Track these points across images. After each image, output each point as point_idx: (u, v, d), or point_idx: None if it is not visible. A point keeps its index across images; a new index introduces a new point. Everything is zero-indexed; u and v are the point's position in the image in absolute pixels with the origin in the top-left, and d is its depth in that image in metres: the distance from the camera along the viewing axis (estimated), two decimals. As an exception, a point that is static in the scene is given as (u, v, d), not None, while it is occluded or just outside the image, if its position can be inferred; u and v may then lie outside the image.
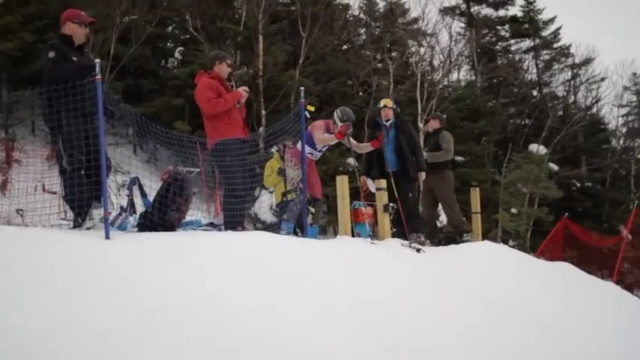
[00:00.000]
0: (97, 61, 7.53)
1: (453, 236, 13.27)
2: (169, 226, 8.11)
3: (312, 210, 11.40)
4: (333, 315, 6.28)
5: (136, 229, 8.39)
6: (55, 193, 9.60)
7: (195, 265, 6.41)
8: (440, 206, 13.60)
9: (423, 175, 11.76)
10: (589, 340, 8.35)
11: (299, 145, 10.77)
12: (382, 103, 12.29)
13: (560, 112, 41.41)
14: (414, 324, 6.87)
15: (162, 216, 8.08)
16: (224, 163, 9.31)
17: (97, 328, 4.90)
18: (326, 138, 11.04)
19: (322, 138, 11.01)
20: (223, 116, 9.40)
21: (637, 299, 12.48)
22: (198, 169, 14.05)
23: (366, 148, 11.91)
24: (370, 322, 6.47)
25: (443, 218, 15.78)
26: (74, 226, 7.93)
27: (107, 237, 6.99)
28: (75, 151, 7.80)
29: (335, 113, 11.24)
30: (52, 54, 7.96)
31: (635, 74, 45.65)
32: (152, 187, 9.81)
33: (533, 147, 34.96)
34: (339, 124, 10.91)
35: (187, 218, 9.33)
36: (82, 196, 7.74)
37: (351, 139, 11.35)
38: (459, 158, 29.79)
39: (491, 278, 9.51)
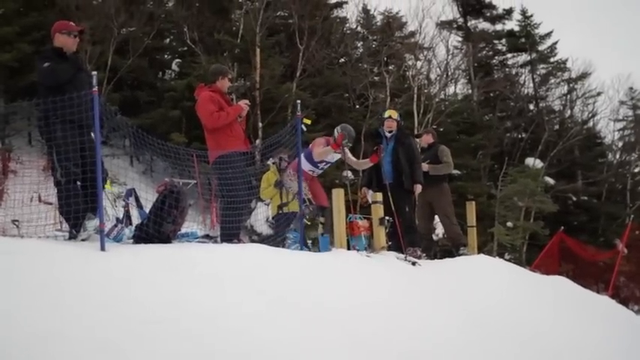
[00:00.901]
0: (94, 73, 7.54)
1: (449, 249, 13.25)
2: (165, 238, 8.09)
3: (322, 220, 11.42)
4: (327, 329, 6.26)
5: (132, 240, 8.38)
6: (51, 204, 9.60)
7: (191, 277, 6.38)
8: (436, 219, 13.60)
9: (418, 188, 11.68)
10: (583, 354, 8.35)
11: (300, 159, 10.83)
12: (387, 113, 12.29)
13: (557, 126, 41.51)
14: (407, 339, 6.86)
15: (157, 228, 8.06)
16: (225, 175, 9.28)
17: (90, 340, 4.88)
18: (323, 151, 11.14)
19: (320, 151, 11.13)
20: (225, 129, 9.38)
21: (632, 313, 12.49)
22: (195, 181, 14.09)
23: (365, 164, 11.90)
24: (365, 335, 6.47)
25: (439, 231, 15.77)
26: (69, 238, 7.91)
27: (102, 249, 6.97)
28: (70, 163, 7.78)
29: (335, 130, 11.31)
30: (47, 64, 7.95)
31: (631, 89, 45.79)
32: (148, 198, 9.81)
33: (530, 161, 35.08)
34: (336, 135, 11.05)
35: (183, 230, 9.32)
36: (77, 208, 7.73)
37: (350, 155, 11.41)
38: (455, 171, 29.73)
39: (486, 292, 9.51)
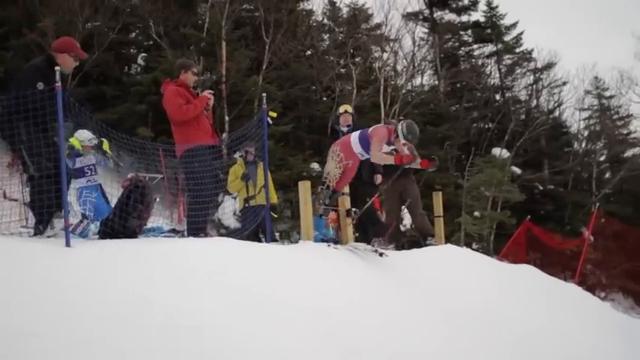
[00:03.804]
0: (57, 68, 7.45)
1: (416, 240, 13.33)
2: (131, 233, 8.07)
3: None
4: (294, 322, 6.25)
5: (97, 236, 8.34)
6: (15, 200, 9.53)
7: (158, 272, 6.36)
8: (403, 210, 13.68)
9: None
10: (552, 342, 8.45)
11: (352, 137, 10.24)
12: (342, 109, 12.28)
13: (523, 116, 41.90)
14: (377, 329, 6.89)
15: (123, 223, 8.04)
16: (193, 169, 9.28)
17: (55, 337, 4.85)
18: (384, 157, 10.19)
19: (380, 155, 10.11)
20: (192, 123, 9.42)
21: (598, 300, 12.63)
22: (161, 176, 14.06)
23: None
24: (333, 327, 6.47)
25: (406, 222, 15.86)
26: (35, 234, 7.87)
27: (68, 245, 6.94)
28: (42, 157, 7.71)
29: (400, 126, 10.04)
30: (40, 85, 7.73)
31: (596, 78, 46.18)
32: (114, 194, 9.76)
33: (496, 151, 35.40)
34: (402, 140, 9.95)
35: (149, 225, 9.29)
36: (50, 203, 7.67)
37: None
38: (422, 162, 29.96)
39: (453, 281, 9.60)
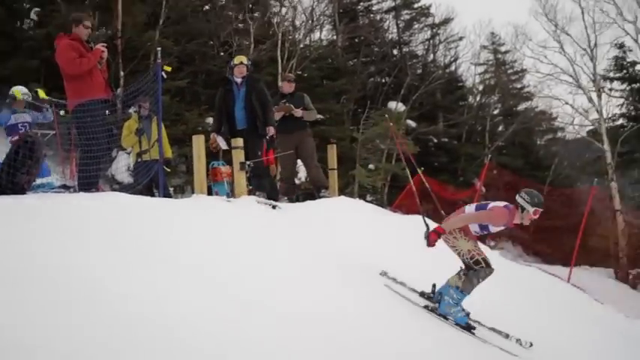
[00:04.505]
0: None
1: (310, 192, 13.56)
2: (19, 190, 8.00)
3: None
4: (189, 277, 6.13)
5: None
6: None
7: (46, 230, 6.02)
8: (298, 163, 13.90)
9: (271, 131, 11.65)
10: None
11: (467, 210, 9.02)
12: (237, 59, 12.10)
13: (420, 71, 42.56)
14: (268, 281, 6.92)
15: (11, 179, 7.97)
16: (85, 124, 9.27)
17: None
18: (453, 225, 8.81)
19: (454, 226, 8.79)
20: (85, 77, 9.38)
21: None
22: (54, 132, 13.91)
23: None
24: (223, 279, 6.46)
25: (301, 175, 16.09)
26: None
27: (-48, 202, 6.83)
28: None
29: (519, 197, 8.46)
30: None
31: (492, 34, 47.14)
32: (3, 150, 9.62)
33: (392, 104, 35.84)
34: (530, 209, 8.34)
35: (39, 181, 9.23)
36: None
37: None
38: (319, 116, 30.19)
39: (344, 230, 9.85)
